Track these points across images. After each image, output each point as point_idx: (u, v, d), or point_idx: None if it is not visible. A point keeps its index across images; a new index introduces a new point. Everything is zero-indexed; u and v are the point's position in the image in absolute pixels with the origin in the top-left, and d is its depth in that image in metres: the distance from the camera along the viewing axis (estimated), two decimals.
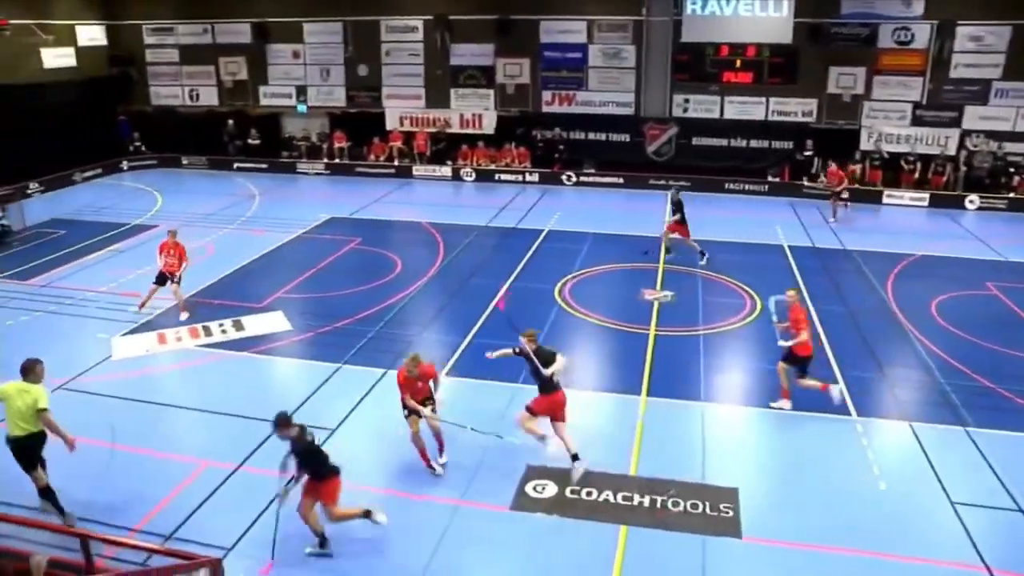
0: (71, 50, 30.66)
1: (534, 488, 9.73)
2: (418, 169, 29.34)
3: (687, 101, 27.63)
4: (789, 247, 20.02)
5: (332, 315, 15.54)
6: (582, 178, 27.67)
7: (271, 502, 9.08)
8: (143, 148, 32.43)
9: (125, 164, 31.52)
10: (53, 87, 29.06)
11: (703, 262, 18.43)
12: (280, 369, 13.66)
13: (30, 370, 9.09)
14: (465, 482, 9.92)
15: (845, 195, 22.93)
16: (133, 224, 22.95)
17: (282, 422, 8.47)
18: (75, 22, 30.93)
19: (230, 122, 31.73)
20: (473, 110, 29.56)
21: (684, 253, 18.93)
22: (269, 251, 20.17)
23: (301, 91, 31.52)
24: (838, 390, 11.78)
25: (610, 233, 20.93)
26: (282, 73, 31.62)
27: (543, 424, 10.12)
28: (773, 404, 11.87)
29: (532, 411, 10.10)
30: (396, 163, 29.65)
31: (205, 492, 9.87)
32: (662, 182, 26.58)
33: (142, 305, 15.90)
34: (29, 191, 26.42)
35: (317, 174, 30.34)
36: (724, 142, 27.42)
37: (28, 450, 9.07)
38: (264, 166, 30.97)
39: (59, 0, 30.32)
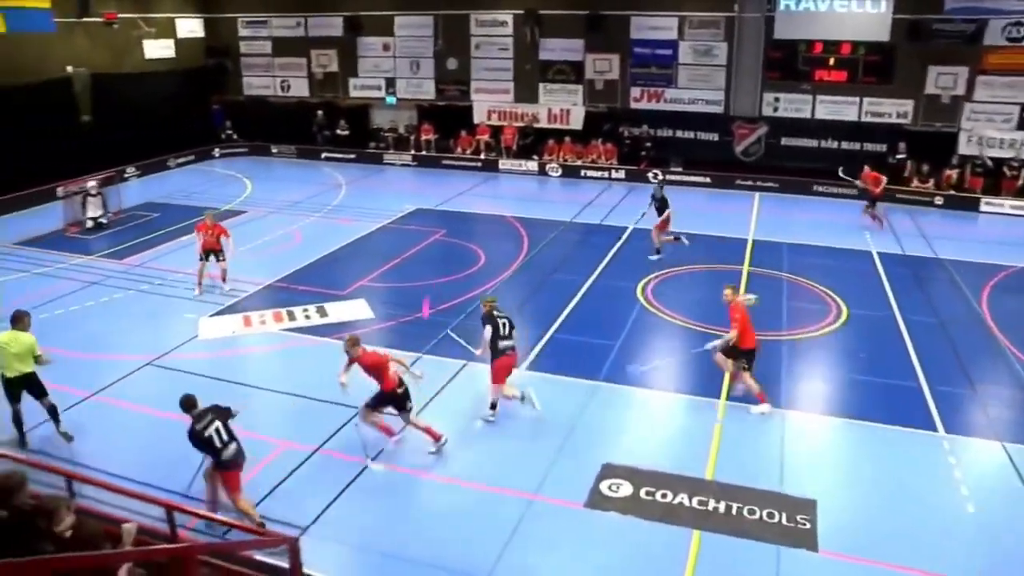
0: (171, 42, 31.90)
1: (609, 487, 9.74)
2: (504, 163, 29.49)
3: (777, 100, 27.04)
4: (878, 253, 19.43)
5: (414, 305, 15.69)
6: (668, 176, 27.34)
7: (347, 486, 9.38)
8: (235, 136, 33.55)
9: (217, 151, 32.64)
10: (153, 77, 30.32)
11: (653, 257, 18.41)
12: None
13: (19, 320, 10.67)
14: (540, 476, 9.99)
15: (876, 202, 21.69)
16: (223, 209, 23.69)
17: (183, 405, 9.03)
18: (176, 15, 32.18)
19: (320, 113, 32.44)
20: (561, 105, 29.53)
21: (697, 250, 18.94)
22: (354, 240, 20.60)
23: (390, 83, 32.00)
24: (768, 408, 11.58)
25: (695, 233, 20.65)
26: (372, 65, 32.16)
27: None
28: (754, 409, 11.64)
29: (496, 378, 11.34)
30: (483, 156, 29.87)
31: (283, 472, 10.20)
32: (749, 183, 26.25)
33: (198, 283, 16.75)
34: (126, 175, 27.63)
35: (404, 165, 30.80)
36: (814, 143, 26.71)
37: (30, 383, 10.60)
38: (352, 156, 31.58)
39: None
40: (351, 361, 10.52)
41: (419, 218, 22.85)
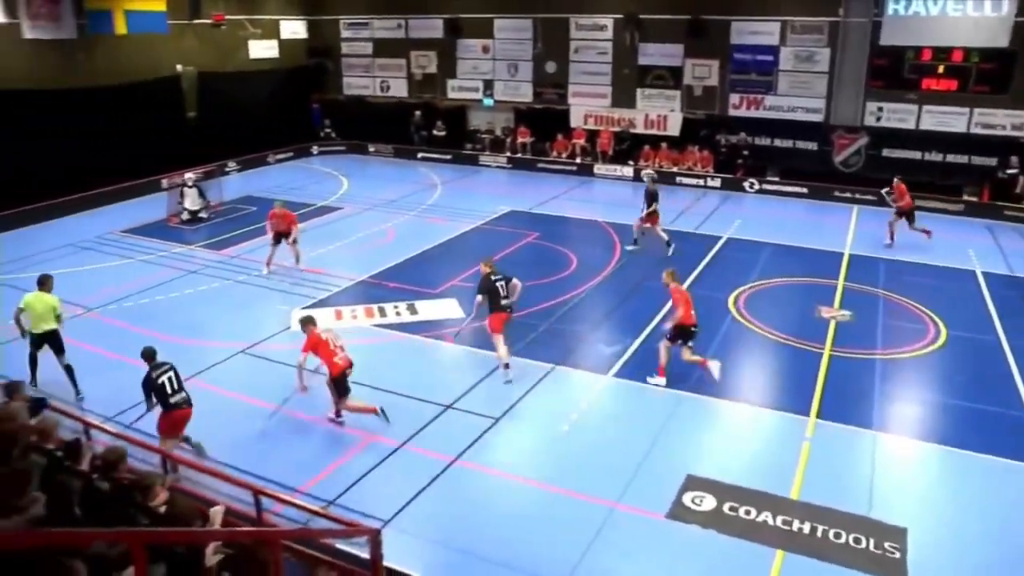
0: (275, 42, 33.09)
1: (692, 500, 9.73)
2: (599, 168, 29.48)
3: (881, 109, 26.15)
4: (983, 273, 18.65)
5: None
6: (764, 185, 26.95)
7: (430, 482, 9.63)
8: (333, 135, 34.54)
9: (315, 149, 33.66)
10: (256, 76, 31.55)
11: (670, 253, 18.30)
12: (449, 355, 14.23)
13: (44, 283, 12.21)
14: (623, 485, 10.02)
15: (901, 216, 20.49)
16: (319, 205, 24.52)
17: (144, 355, 10.12)
18: (280, 17, 33.36)
19: (417, 113, 33.02)
20: (658, 111, 29.32)
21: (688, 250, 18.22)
22: (447, 239, 20.97)
23: (488, 85, 32.34)
24: (718, 367, 12.40)
25: (790, 245, 20.33)
26: (471, 67, 32.56)
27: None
28: (650, 379, 12.69)
29: (493, 328, 12.93)
30: (578, 161, 29.92)
31: (368, 465, 10.51)
32: (848, 195, 25.56)
33: (267, 263, 18.11)
34: (227, 169, 28.79)
35: (499, 167, 31.10)
36: (918, 155, 25.68)
37: (53, 339, 12.06)
38: (448, 157, 32.06)
39: None
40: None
41: (512, 220, 23.10)
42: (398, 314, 15.80)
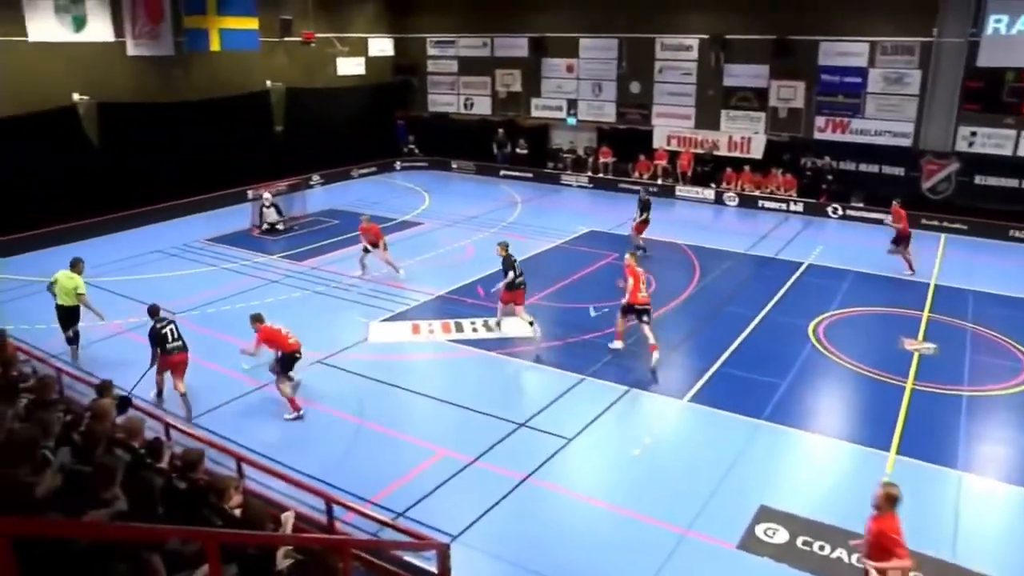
0: (362, 60, 34.06)
1: (765, 531, 9.63)
2: (681, 190, 29.31)
3: (974, 134, 25.23)
4: None
5: (581, 326, 16.12)
6: (848, 211, 26.36)
7: (500, 500, 9.77)
8: (416, 151, 35.25)
9: (398, 164, 34.38)
10: (343, 92, 32.51)
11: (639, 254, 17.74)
12: (524, 372, 14.42)
13: (75, 265, 14.09)
14: (695, 512, 9.96)
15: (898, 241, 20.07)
16: (400, 220, 25.01)
17: (150, 311, 12.41)
18: (368, 35, 34.34)
19: (500, 131, 33.46)
20: (742, 133, 29.05)
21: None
22: (526, 257, 20.95)
23: (572, 104, 32.54)
24: (655, 358, 13.85)
25: (874, 274, 19.84)
26: (555, 86, 32.83)
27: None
28: (611, 345, 14.69)
29: (502, 299, 15.55)
30: (660, 182, 29.75)
31: (439, 479, 10.66)
32: (935, 223, 24.75)
33: (361, 265, 19.28)
34: (312, 183, 29.60)
35: (580, 187, 31.23)
36: (1014, 182, 24.70)
37: (70, 314, 14.00)
38: (529, 175, 32.36)
39: (356, 16, 33.71)
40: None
41: (592, 240, 23.16)
42: (475, 330, 16.02)
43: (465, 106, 35.32)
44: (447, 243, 22.62)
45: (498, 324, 16.00)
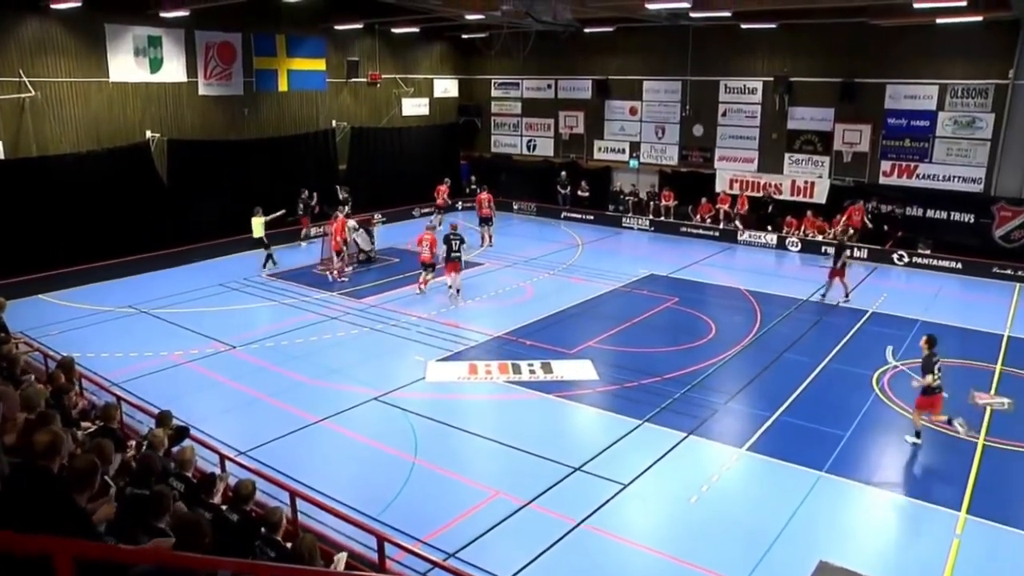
0: (426, 100, 34.75)
1: None
2: (743, 234, 29.01)
3: None
4: None
5: (640, 371, 15.99)
6: (915, 259, 25.71)
7: (553, 544, 9.65)
8: (477, 191, 35.32)
9: (460, 204, 34.53)
10: (407, 132, 33.27)
11: None
12: (582, 416, 14.31)
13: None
14: (751, 564, 9.72)
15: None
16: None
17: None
18: (433, 76, 35.01)
19: (563, 173, 33.60)
20: (806, 177, 28.71)
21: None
22: (586, 300, 21.13)
23: (634, 147, 32.61)
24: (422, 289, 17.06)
25: (941, 323, 19.27)
26: (618, 128, 32.98)
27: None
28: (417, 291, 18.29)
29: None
30: (721, 226, 29.56)
31: (492, 520, 10.60)
32: (1009, 272, 23.99)
33: (420, 283, 20.73)
34: (373, 221, 29.93)
35: (641, 230, 31.16)
36: None
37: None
38: (591, 218, 32.43)
39: (422, 58, 34.41)
40: None
41: (653, 283, 23.05)
42: (532, 372, 16.00)
43: (528, 147, 35.66)
44: (507, 284, 22.76)
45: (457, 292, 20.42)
